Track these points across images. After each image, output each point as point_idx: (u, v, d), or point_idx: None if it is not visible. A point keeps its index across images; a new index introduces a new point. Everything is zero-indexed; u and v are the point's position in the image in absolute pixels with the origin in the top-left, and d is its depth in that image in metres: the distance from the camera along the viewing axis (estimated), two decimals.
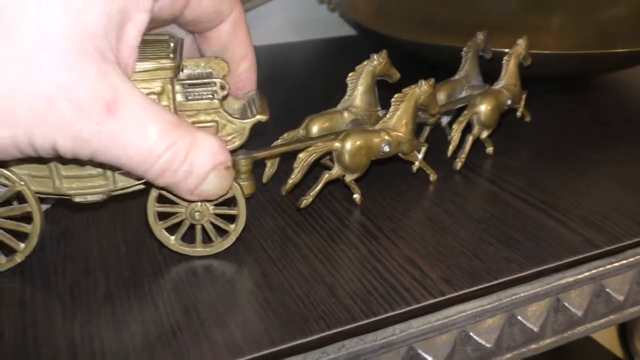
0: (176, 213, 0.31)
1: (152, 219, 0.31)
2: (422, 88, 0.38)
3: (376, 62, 0.39)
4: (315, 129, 0.38)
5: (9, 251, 0.31)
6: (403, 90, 0.38)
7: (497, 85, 0.45)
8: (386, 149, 0.37)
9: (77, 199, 0.30)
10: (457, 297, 0.30)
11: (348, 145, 0.36)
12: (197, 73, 0.33)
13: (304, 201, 0.36)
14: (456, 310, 0.29)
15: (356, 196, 0.38)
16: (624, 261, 0.34)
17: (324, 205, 0.37)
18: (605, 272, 0.33)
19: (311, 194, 0.36)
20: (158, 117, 0.26)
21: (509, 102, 0.45)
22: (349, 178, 0.37)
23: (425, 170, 0.41)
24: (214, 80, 0.31)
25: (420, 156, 0.40)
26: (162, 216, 0.31)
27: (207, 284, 0.30)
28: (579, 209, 0.37)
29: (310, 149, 0.35)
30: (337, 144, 0.36)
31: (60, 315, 0.28)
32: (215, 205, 0.31)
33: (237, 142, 0.32)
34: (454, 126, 0.42)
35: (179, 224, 0.32)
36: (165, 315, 0.28)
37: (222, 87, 0.31)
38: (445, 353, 0.29)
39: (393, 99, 0.37)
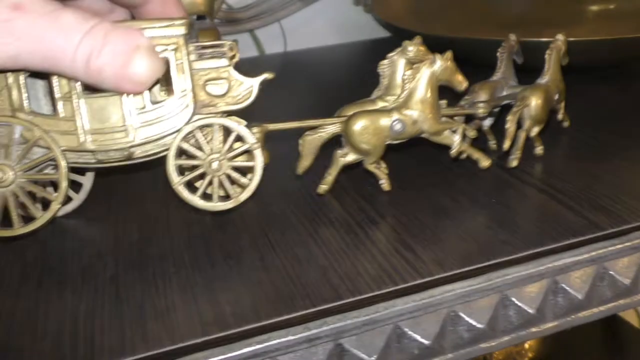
0: (196, 167, 0.33)
1: (172, 174, 0.33)
2: (435, 64, 0.36)
3: (410, 49, 0.38)
4: None
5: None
6: (414, 66, 0.37)
7: (542, 80, 0.43)
8: (398, 127, 0.36)
9: (100, 156, 0.32)
10: (444, 277, 0.30)
11: (352, 125, 0.36)
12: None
13: (322, 187, 0.37)
14: (442, 290, 0.29)
15: (382, 182, 0.37)
16: (628, 243, 0.33)
17: (330, 193, 0.38)
18: (607, 253, 0.33)
19: (328, 179, 0.37)
20: (69, 9, 0.27)
21: (557, 97, 0.43)
22: (366, 162, 0.37)
23: (469, 156, 0.38)
24: (223, 42, 0.33)
25: (457, 138, 0.37)
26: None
27: (207, 267, 0.32)
28: (590, 194, 0.37)
29: (317, 129, 0.36)
30: (341, 124, 0.36)
31: (70, 294, 0.30)
32: (233, 158, 0.34)
33: (246, 102, 0.34)
34: (508, 117, 0.40)
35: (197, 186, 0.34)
36: (163, 294, 0.30)
37: (231, 49, 0.33)
38: (433, 332, 0.30)
39: (403, 76, 0.37)
